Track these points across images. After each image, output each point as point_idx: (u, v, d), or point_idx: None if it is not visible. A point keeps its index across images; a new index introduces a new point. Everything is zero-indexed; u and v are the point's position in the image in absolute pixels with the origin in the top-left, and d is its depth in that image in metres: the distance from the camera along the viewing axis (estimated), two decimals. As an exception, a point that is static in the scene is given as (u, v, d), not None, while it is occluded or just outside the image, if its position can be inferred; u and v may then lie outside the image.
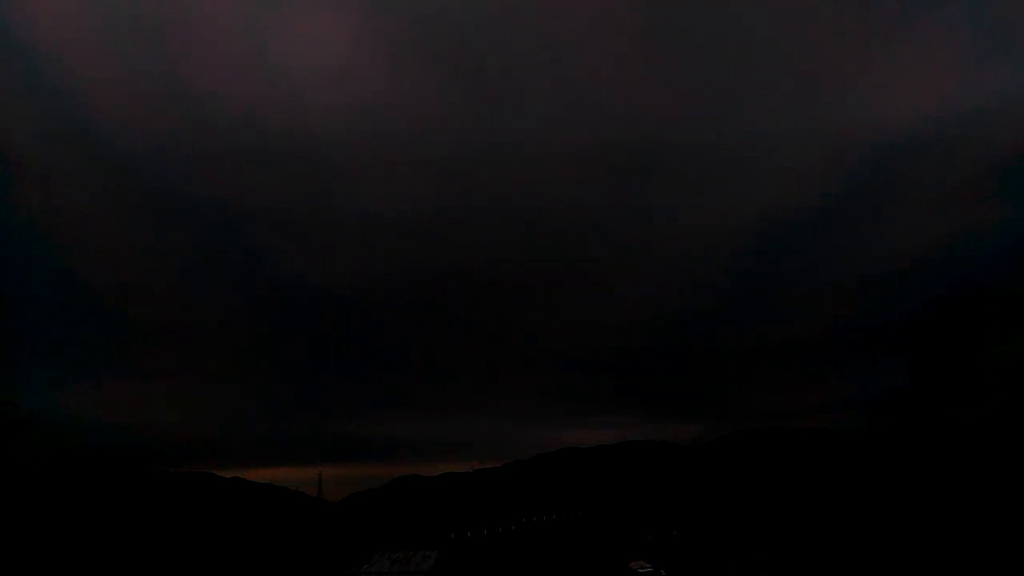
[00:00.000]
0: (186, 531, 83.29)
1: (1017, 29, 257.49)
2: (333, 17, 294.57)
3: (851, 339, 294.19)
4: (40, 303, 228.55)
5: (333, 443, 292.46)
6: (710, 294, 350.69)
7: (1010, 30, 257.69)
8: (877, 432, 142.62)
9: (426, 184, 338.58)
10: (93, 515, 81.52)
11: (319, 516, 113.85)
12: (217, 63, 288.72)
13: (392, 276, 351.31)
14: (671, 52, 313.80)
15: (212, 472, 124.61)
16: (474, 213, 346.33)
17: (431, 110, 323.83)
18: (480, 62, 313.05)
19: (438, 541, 73.34)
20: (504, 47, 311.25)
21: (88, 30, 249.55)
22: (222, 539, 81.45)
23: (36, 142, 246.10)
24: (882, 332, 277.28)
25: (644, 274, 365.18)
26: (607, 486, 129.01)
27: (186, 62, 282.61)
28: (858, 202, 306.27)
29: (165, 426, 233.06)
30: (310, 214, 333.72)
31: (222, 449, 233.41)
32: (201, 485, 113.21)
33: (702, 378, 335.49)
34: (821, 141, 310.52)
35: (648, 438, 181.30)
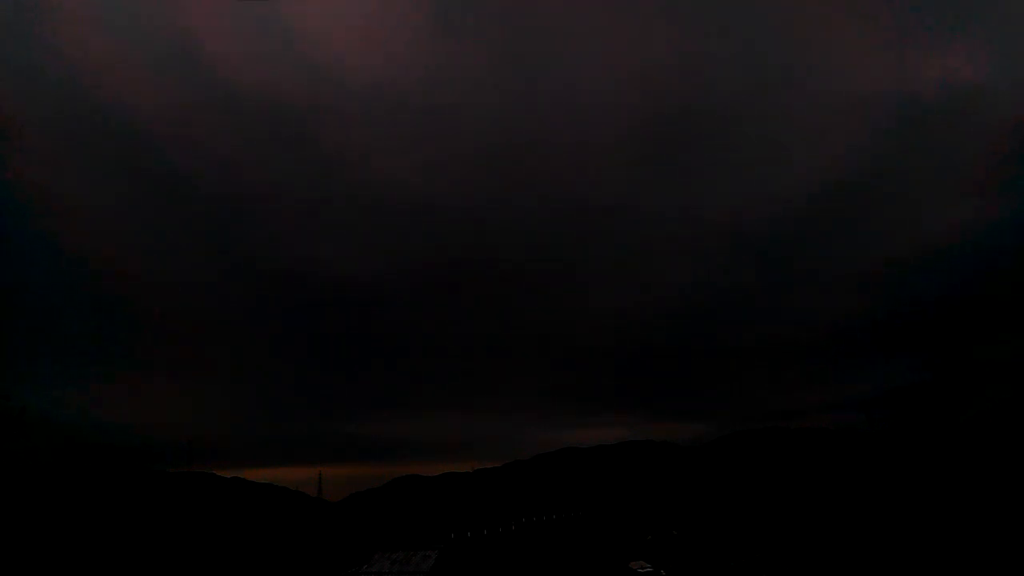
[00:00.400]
0: (186, 531, 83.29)
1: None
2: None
3: (852, 337, 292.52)
4: (39, 290, 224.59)
5: (333, 443, 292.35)
6: (710, 292, 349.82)
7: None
8: (878, 432, 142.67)
9: (429, 178, 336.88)
10: (92, 514, 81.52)
11: (319, 516, 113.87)
12: (230, 37, 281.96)
13: (392, 275, 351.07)
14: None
15: (212, 472, 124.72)
16: (475, 211, 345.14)
17: (454, 96, 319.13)
18: (496, 37, 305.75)
19: (438, 541, 73.33)
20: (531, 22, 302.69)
21: (95, 2, 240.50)
22: (222, 539, 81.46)
23: (40, 122, 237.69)
24: (884, 330, 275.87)
25: (643, 272, 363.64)
26: (607, 486, 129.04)
27: (198, 36, 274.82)
28: (863, 194, 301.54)
29: (165, 426, 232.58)
30: (310, 206, 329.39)
31: (222, 449, 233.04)
32: (201, 485, 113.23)
33: (702, 378, 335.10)
34: (826, 134, 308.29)
35: (648, 438, 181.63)
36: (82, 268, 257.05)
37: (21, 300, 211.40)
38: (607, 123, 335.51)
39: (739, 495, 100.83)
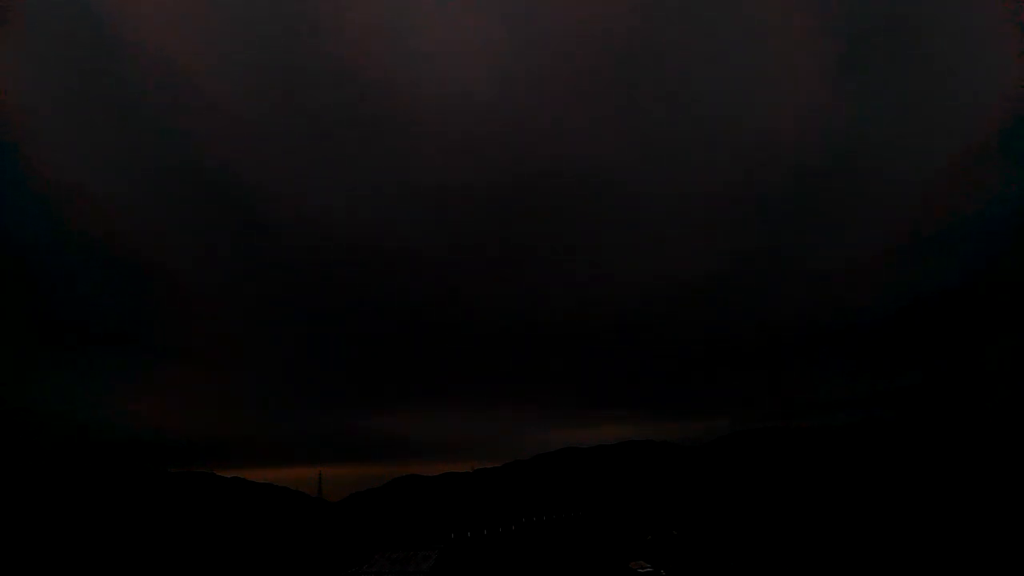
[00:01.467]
0: (186, 531, 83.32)
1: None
2: None
3: (854, 332, 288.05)
4: (38, 274, 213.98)
5: (333, 443, 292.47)
6: (708, 292, 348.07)
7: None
8: (879, 430, 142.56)
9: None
10: (92, 513, 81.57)
11: (319, 516, 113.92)
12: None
13: (390, 272, 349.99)
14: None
15: (212, 472, 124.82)
16: (478, 193, 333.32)
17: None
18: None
19: (438, 541, 73.43)
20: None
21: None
22: (222, 539, 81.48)
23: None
24: (886, 325, 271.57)
25: (641, 262, 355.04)
26: (607, 486, 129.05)
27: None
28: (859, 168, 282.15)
29: (165, 426, 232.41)
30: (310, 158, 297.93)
31: (222, 449, 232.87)
32: (201, 485, 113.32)
33: (702, 377, 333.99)
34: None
35: (648, 438, 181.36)
36: (84, 249, 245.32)
37: (18, 283, 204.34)
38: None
39: (740, 495, 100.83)
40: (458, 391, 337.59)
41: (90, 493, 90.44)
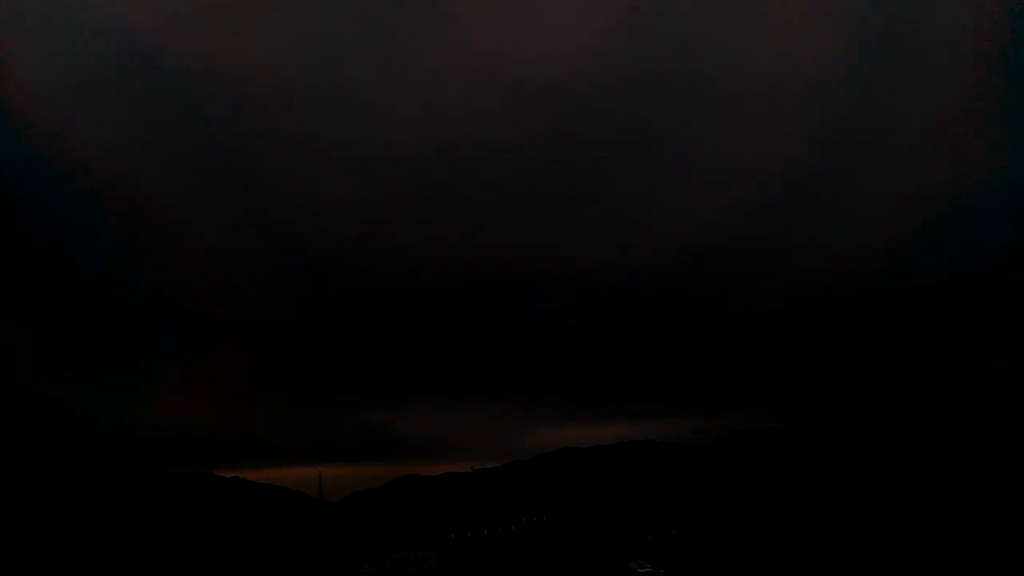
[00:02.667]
0: (186, 531, 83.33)
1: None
2: None
3: (852, 331, 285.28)
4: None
5: (333, 443, 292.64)
6: (706, 292, 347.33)
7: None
8: (879, 430, 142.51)
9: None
10: (92, 513, 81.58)
11: (319, 516, 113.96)
12: None
13: (391, 269, 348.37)
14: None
15: (212, 472, 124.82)
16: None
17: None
18: None
19: (438, 541, 73.49)
20: None
21: None
22: (222, 539, 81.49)
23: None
24: (886, 322, 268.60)
25: (640, 254, 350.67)
26: (607, 486, 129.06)
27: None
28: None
29: (165, 425, 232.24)
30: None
31: (222, 449, 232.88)
32: (201, 485, 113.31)
33: (702, 377, 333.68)
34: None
35: (648, 438, 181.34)
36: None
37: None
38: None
39: (740, 495, 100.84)
40: (458, 391, 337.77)
41: (90, 492, 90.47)
